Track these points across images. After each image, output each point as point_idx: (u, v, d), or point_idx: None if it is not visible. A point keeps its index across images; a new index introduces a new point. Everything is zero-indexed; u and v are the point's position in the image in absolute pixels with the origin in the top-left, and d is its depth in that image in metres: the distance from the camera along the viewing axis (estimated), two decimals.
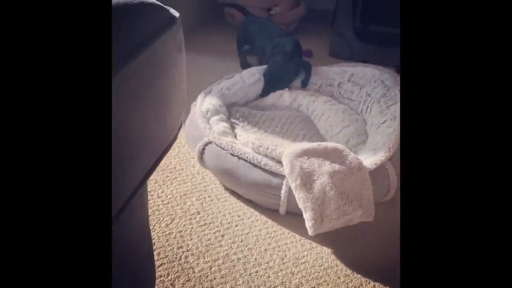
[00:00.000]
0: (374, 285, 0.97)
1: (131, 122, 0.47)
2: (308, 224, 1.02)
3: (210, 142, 1.22)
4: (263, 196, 1.15)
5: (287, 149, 1.12)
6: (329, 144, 1.13)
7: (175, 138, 0.63)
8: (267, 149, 1.20)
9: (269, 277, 0.98)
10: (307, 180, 1.05)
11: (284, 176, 1.09)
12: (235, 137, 1.31)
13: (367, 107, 1.46)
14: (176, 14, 0.56)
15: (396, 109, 1.32)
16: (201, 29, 2.46)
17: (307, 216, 1.02)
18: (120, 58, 0.43)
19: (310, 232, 1.02)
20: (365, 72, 1.53)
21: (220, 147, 1.19)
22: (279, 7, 2.41)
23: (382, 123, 1.30)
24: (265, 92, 1.55)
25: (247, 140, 1.26)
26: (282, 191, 1.10)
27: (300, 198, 1.04)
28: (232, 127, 1.38)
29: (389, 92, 1.40)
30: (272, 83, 1.54)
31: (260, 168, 1.13)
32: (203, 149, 1.22)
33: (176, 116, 0.61)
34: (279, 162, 1.15)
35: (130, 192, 0.52)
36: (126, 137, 0.46)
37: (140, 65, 0.46)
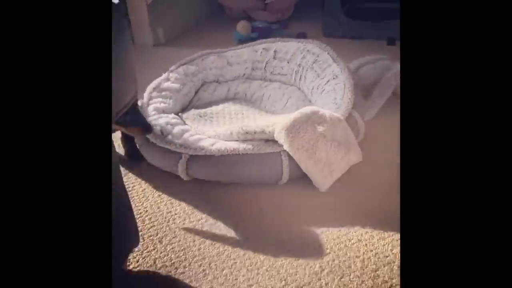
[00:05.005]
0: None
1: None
2: (321, 182, 1.15)
3: (191, 156, 1.19)
4: (265, 178, 1.19)
5: (277, 126, 1.16)
6: (306, 109, 1.22)
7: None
8: (255, 133, 1.20)
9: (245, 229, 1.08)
10: (308, 147, 1.14)
11: (280, 152, 1.15)
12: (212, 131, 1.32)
13: (301, 76, 1.58)
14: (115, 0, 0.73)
15: (333, 69, 1.45)
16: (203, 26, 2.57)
17: (317, 179, 1.16)
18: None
19: (323, 188, 1.16)
20: (288, 47, 1.64)
21: (205, 155, 1.17)
22: None
23: (325, 83, 1.44)
24: None
25: (231, 130, 1.24)
26: (284, 166, 1.15)
27: (307, 166, 1.14)
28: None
29: (319, 57, 1.53)
30: None
31: (256, 155, 1.16)
32: (187, 165, 1.19)
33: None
34: (268, 141, 1.19)
35: None
36: None
37: None
